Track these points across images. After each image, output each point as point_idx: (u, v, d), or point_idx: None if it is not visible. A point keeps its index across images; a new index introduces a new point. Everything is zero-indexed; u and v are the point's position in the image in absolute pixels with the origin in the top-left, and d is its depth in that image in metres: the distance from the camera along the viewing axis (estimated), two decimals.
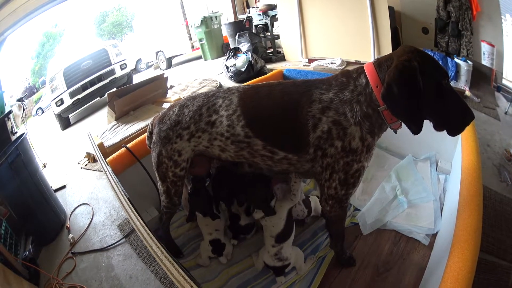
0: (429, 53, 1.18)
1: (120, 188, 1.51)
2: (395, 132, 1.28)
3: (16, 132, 3.14)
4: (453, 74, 3.54)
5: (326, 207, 1.41)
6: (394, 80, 1.09)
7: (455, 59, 3.54)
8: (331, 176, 1.29)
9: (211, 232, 1.77)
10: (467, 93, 3.40)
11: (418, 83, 1.08)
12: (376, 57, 3.86)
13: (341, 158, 1.24)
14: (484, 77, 3.52)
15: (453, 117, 1.17)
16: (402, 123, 1.21)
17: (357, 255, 1.69)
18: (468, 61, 3.48)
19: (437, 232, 1.76)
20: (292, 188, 1.61)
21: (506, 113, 3.10)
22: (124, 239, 2.18)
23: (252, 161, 1.44)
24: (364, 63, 1.26)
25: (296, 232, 1.86)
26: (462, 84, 3.50)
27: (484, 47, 3.49)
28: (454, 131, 1.20)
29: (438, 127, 1.19)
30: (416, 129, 1.14)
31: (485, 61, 3.50)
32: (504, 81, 3.33)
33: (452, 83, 3.50)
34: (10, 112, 3.33)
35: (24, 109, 4.73)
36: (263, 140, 1.33)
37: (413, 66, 1.08)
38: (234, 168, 1.66)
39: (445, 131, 1.20)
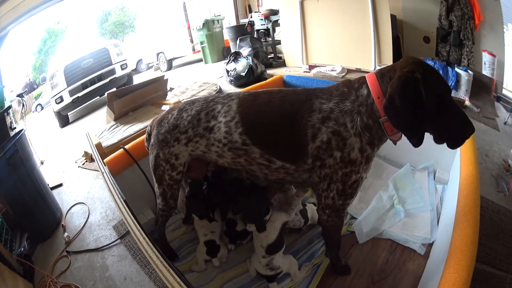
0: (429, 62, 1.18)
1: (116, 190, 1.51)
2: (395, 143, 1.27)
3: (15, 128, 3.12)
4: (453, 83, 3.55)
5: (323, 216, 1.40)
6: (397, 92, 1.08)
7: (456, 69, 3.55)
8: (329, 186, 1.28)
9: (206, 234, 1.77)
10: (467, 103, 3.41)
11: (420, 96, 1.07)
12: (377, 65, 3.91)
13: (340, 169, 1.23)
14: (484, 87, 3.52)
15: (453, 130, 1.16)
16: (402, 135, 1.20)
17: (352, 263, 1.68)
18: (468, 71, 3.48)
19: (433, 242, 1.75)
20: (292, 203, 1.60)
21: (505, 123, 3.10)
22: (119, 240, 2.16)
23: (249, 169, 1.43)
24: (365, 71, 1.26)
25: (292, 239, 1.87)
26: (462, 93, 3.50)
27: (485, 57, 3.50)
28: (454, 145, 1.20)
29: (438, 140, 1.19)
30: (417, 141, 1.14)
31: (486, 71, 3.51)
32: (504, 91, 3.34)
33: (452, 93, 3.50)
34: (9, 107, 3.32)
35: (23, 105, 4.71)
36: (260, 148, 1.32)
37: (416, 78, 1.07)
38: (231, 172, 1.65)
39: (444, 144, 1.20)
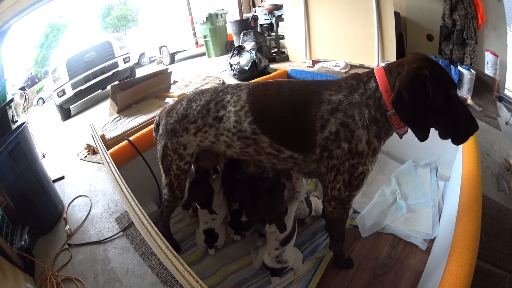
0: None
1: (122, 180, 1.51)
2: (401, 137, 1.29)
3: (16, 121, 3.12)
4: (456, 82, 3.54)
5: (328, 208, 1.41)
6: (405, 87, 1.10)
7: (459, 67, 3.55)
8: (336, 177, 1.30)
9: (207, 221, 1.77)
10: (469, 101, 3.40)
11: (428, 91, 1.10)
12: (381, 62, 3.90)
13: (347, 160, 1.25)
14: (486, 87, 3.52)
15: (458, 126, 1.19)
16: (408, 129, 1.22)
17: (355, 257, 1.69)
18: (471, 70, 3.48)
19: (434, 238, 1.76)
20: (295, 186, 1.60)
21: (507, 123, 3.11)
22: (121, 233, 2.15)
23: (257, 159, 1.44)
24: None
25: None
26: (464, 92, 3.50)
27: (488, 57, 3.50)
28: (458, 140, 1.22)
29: (443, 136, 1.21)
30: (422, 136, 1.16)
31: (488, 71, 3.51)
32: (506, 91, 3.34)
33: None
34: (11, 100, 3.31)
35: (26, 98, 4.69)
36: (270, 138, 1.33)
37: (424, 74, 1.10)
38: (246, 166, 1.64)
39: (448, 139, 1.22)
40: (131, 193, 1.40)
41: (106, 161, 1.69)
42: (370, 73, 1.26)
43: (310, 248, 1.79)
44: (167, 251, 1.02)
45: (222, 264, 1.75)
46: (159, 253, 1.08)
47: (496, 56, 3.41)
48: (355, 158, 1.24)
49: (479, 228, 1.22)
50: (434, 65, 1.13)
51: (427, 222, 1.85)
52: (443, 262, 1.19)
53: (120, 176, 1.54)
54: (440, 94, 1.12)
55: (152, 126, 1.75)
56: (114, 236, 2.15)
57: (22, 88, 5.26)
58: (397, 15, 4.06)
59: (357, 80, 1.27)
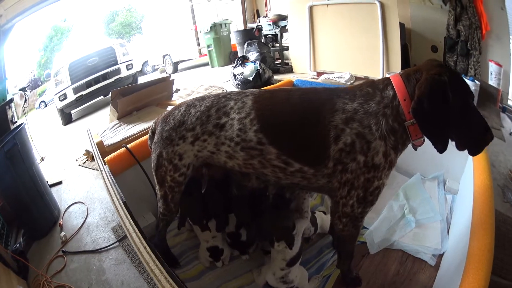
0: None
1: (115, 190, 1.43)
2: (415, 148, 1.22)
3: (16, 122, 3.10)
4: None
5: (338, 225, 1.32)
6: (426, 95, 1.04)
7: None
8: (349, 193, 1.20)
9: (207, 240, 1.69)
10: None
11: (448, 99, 1.04)
12: (386, 74, 3.88)
13: (362, 174, 1.16)
14: (490, 98, 3.52)
15: (475, 136, 1.13)
16: (424, 140, 1.16)
17: (363, 275, 1.61)
18: (475, 81, 3.47)
19: (443, 253, 1.71)
20: (303, 206, 1.53)
21: (511, 134, 3.12)
22: (117, 243, 2.11)
23: (261, 172, 1.33)
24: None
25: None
26: None
27: (492, 67, 3.51)
28: (475, 151, 1.16)
29: (460, 146, 1.15)
30: (441, 147, 1.10)
31: (492, 81, 3.51)
32: (510, 102, 3.35)
33: None
34: (11, 100, 3.28)
35: (26, 99, 4.66)
36: (278, 149, 1.23)
37: (444, 81, 1.04)
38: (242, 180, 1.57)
39: (454, 147, 1.17)
40: (122, 204, 1.32)
41: (101, 169, 1.63)
42: (386, 80, 1.18)
43: (316, 266, 1.71)
44: (155, 269, 0.94)
45: (222, 281, 1.66)
46: (149, 270, 1.01)
47: (500, 66, 3.42)
48: (371, 172, 1.16)
49: (493, 242, 1.18)
50: (452, 72, 1.08)
51: (436, 237, 1.80)
52: (455, 277, 1.15)
53: (115, 185, 1.47)
54: (459, 101, 1.06)
55: None
56: (110, 246, 2.11)
57: (23, 89, 5.22)
58: (401, 26, 4.08)
59: (373, 87, 1.19)
